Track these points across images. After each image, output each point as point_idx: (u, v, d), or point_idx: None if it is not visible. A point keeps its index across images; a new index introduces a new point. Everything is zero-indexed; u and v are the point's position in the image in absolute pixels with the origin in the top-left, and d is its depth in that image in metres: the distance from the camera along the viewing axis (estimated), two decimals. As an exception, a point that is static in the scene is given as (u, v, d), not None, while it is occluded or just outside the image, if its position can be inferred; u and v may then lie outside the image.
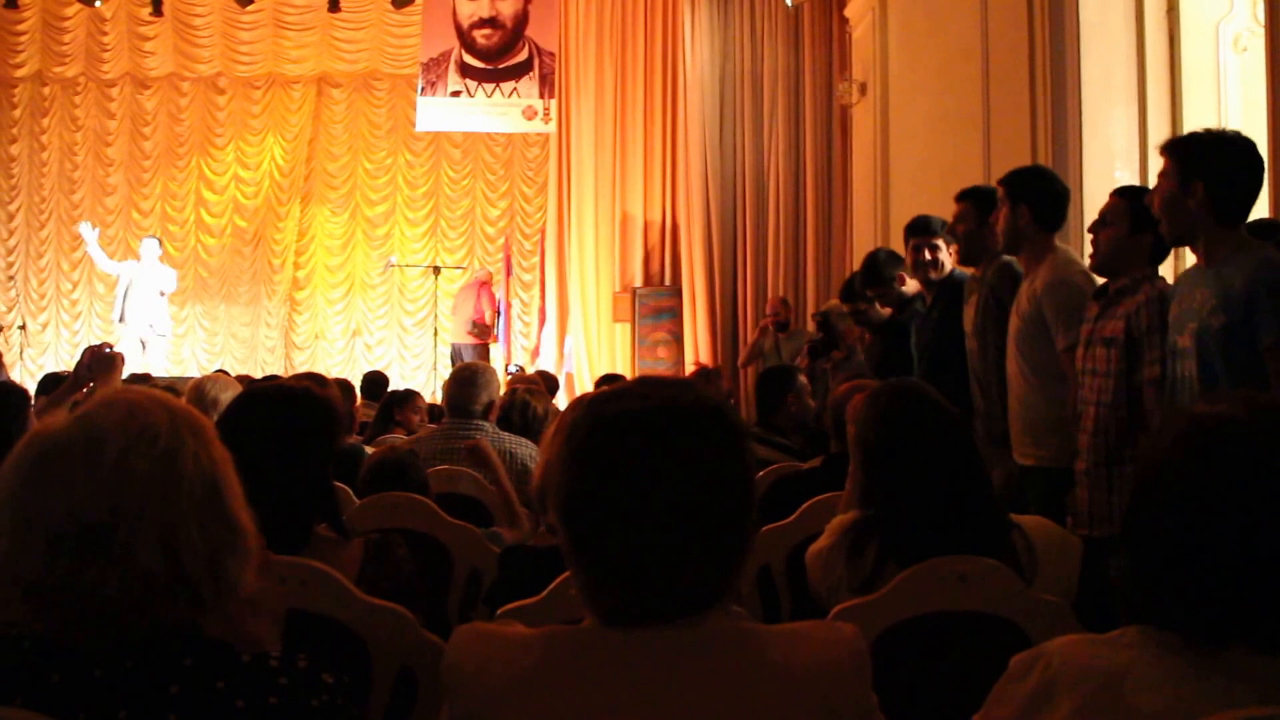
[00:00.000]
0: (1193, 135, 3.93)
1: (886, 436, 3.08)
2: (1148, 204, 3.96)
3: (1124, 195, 4.41)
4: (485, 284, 14.68)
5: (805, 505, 3.96)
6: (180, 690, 1.57)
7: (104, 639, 1.57)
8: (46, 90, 17.14)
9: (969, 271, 5.63)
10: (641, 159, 14.99)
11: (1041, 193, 4.89)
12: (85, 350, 4.96)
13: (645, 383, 1.76)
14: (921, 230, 6.06)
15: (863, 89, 11.82)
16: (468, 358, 13.09)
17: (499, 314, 14.56)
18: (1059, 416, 4.57)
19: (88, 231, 14.63)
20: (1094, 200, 6.72)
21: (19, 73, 17.02)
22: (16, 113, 17.15)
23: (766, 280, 14.14)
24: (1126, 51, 6.82)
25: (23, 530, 1.59)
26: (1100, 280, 4.46)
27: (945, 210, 5.83)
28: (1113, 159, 6.84)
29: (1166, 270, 4.77)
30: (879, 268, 6.86)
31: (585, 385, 13.97)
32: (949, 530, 2.89)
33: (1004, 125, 7.68)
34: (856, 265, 11.82)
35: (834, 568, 3.01)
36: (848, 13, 12.72)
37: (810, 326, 10.32)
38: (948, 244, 5.98)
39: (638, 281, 14.90)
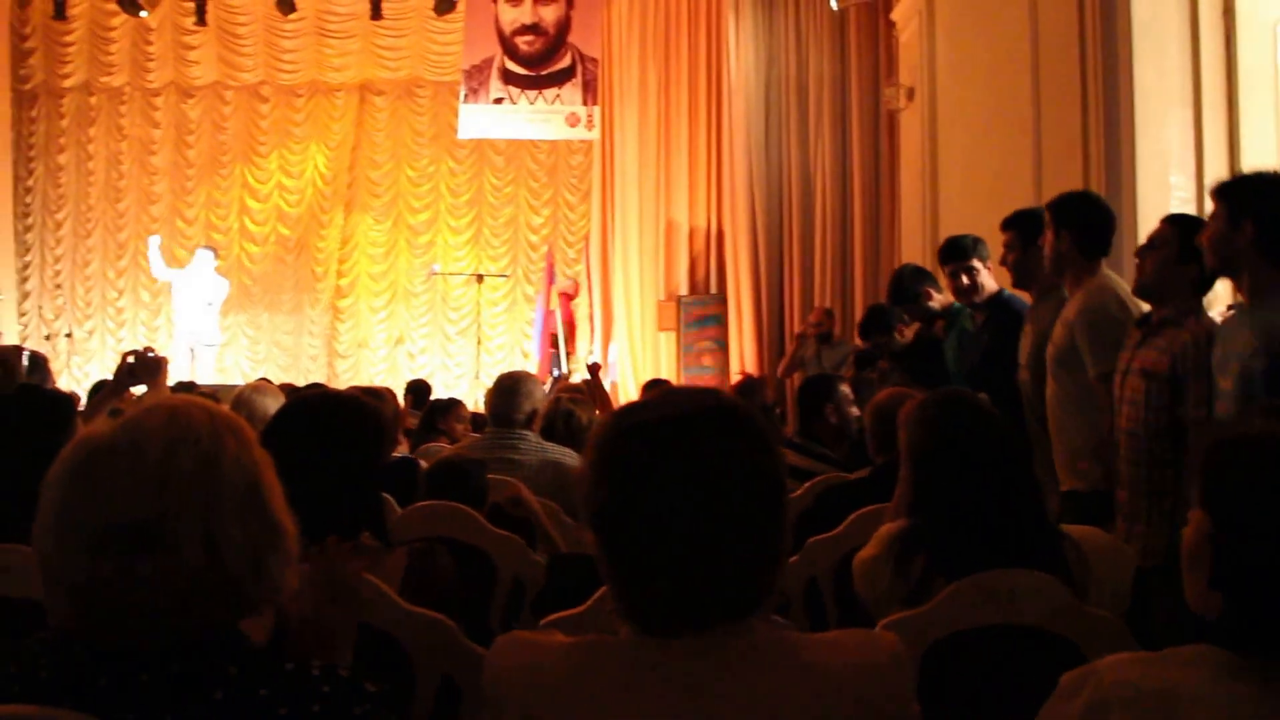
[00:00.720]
0: (1244, 176, 3.94)
1: (934, 444, 3.06)
2: (1199, 243, 3.91)
3: (1174, 223, 4.34)
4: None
5: (853, 516, 3.92)
6: (224, 696, 1.58)
7: (150, 643, 1.59)
8: (93, 100, 17.26)
9: (1024, 296, 5.58)
10: (686, 165, 14.88)
11: (1085, 220, 4.85)
12: (124, 354, 4.99)
13: (669, 392, 1.81)
14: (956, 255, 6.03)
15: (910, 93, 11.66)
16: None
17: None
18: (1094, 442, 4.54)
19: (154, 241, 14.87)
20: (1147, 206, 6.60)
21: (67, 83, 17.15)
22: (64, 122, 17.27)
23: (813, 287, 13.99)
24: (1181, 53, 6.67)
25: (69, 534, 1.61)
26: (1145, 306, 4.41)
27: (996, 216, 5.75)
28: (1167, 163, 6.69)
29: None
30: (904, 285, 7.00)
31: (630, 394, 13.88)
32: (998, 542, 2.85)
33: (1055, 129, 7.55)
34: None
35: (880, 578, 2.99)
36: (894, 16, 12.56)
37: (855, 337, 10.20)
38: (984, 263, 5.95)
39: (683, 289, 14.80)
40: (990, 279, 5.96)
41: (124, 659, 1.59)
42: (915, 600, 2.82)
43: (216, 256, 15.03)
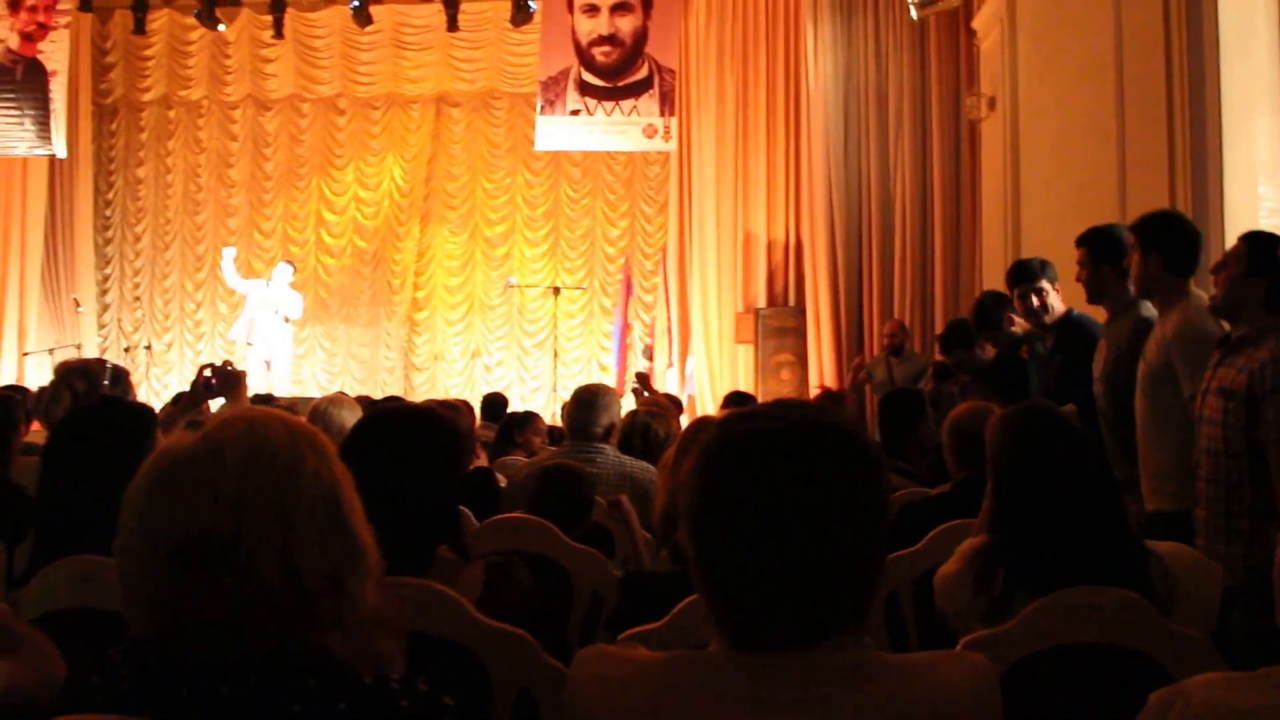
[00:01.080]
0: None
1: (1016, 457, 3.03)
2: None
3: (1246, 239, 4.30)
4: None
5: (934, 532, 3.86)
6: (303, 709, 1.59)
7: (229, 655, 1.60)
8: (171, 113, 17.53)
9: (1095, 313, 5.60)
10: (764, 176, 14.70)
11: (1172, 240, 4.80)
12: (201, 367, 5.07)
13: (780, 404, 1.75)
14: (1023, 277, 6.09)
15: (991, 103, 11.47)
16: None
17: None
18: (1184, 462, 4.47)
19: (228, 252, 15.06)
20: (1235, 218, 6.43)
21: (146, 96, 17.44)
22: (143, 136, 17.56)
23: (893, 299, 13.75)
24: (1270, 60, 6.49)
25: (148, 545, 1.63)
26: (1226, 326, 4.37)
27: (1079, 227, 5.66)
28: (1255, 173, 6.51)
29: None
30: (987, 311, 7.14)
31: (708, 408, 13.78)
32: (1081, 558, 2.81)
33: (1140, 139, 7.38)
34: (986, 284, 11.57)
35: (961, 593, 2.97)
36: (975, 25, 12.39)
37: (935, 351, 10.05)
38: (1052, 284, 6.01)
39: (761, 302, 14.61)
40: (1058, 300, 6.03)
41: (204, 670, 1.60)
42: (996, 617, 2.79)
43: (295, 272, 15.19)
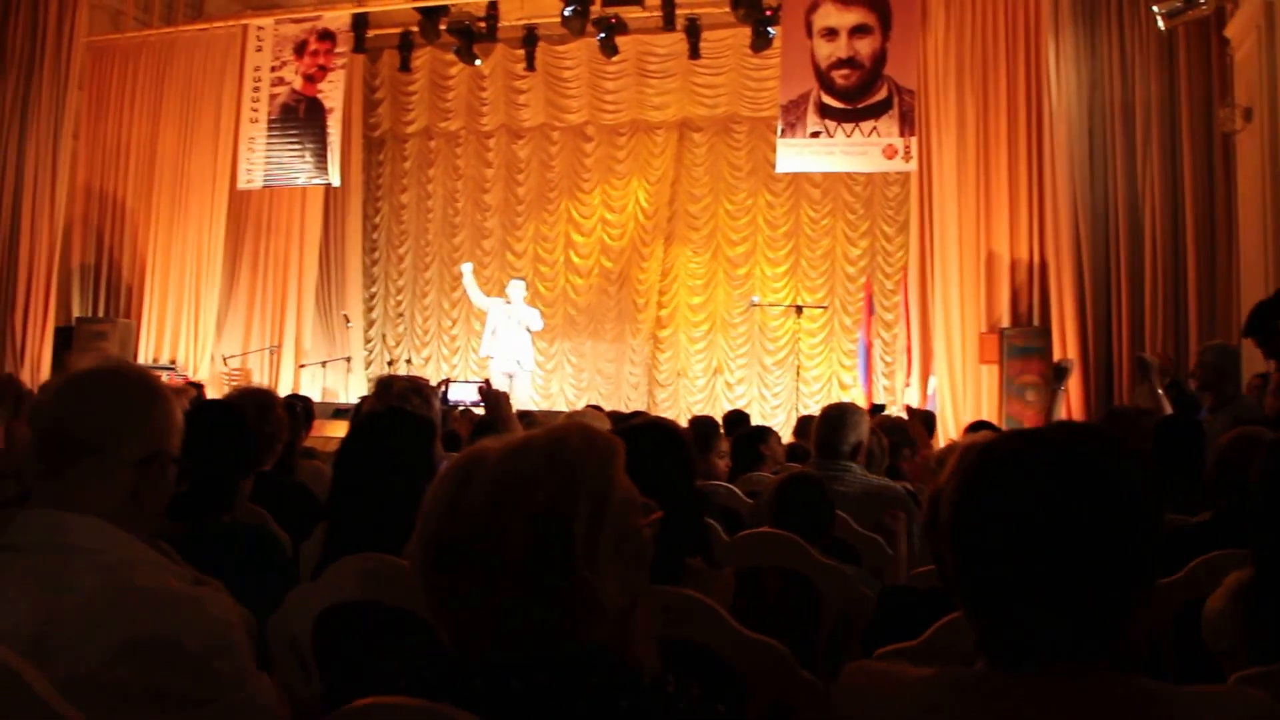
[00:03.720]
0: None
1: (1273, 491, 2.86)
2: None
3: None
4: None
5: (1194, 563, 3.70)
6: (587, 706, 1.64)
7: (519, 653, 1.67)
8: (432, 144, 18.57)
9: None
10: (1006, 195, 14.39)
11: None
12: (439, 383, 5.11)
13: (1051, 427, 1.77)
14: (1261, 324, 5.78)
15: (1247, 114, 11.10)
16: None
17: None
18: None
19: (466, 267, 15.82)
20: None
21: (409, 129, 18.51)
22: (406, 164, 18.66)
23: (1143, 319, 13.20)
24: None
25: (423, 550, 1.71)
26: None
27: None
28: None
29: None
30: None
31: (949, 429, 13.69)
32: None
33: None
34: (1245, 304, 10.90)
35: (1226, 629, 2.86)
36: (1228, 33, 12.00)
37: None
38: None
39: (1005, 322, 14.35)
40: None
41: (495, 665, 1.67)
42: (1263, 657, 2.56)
43: (527, 287, 15.75)
